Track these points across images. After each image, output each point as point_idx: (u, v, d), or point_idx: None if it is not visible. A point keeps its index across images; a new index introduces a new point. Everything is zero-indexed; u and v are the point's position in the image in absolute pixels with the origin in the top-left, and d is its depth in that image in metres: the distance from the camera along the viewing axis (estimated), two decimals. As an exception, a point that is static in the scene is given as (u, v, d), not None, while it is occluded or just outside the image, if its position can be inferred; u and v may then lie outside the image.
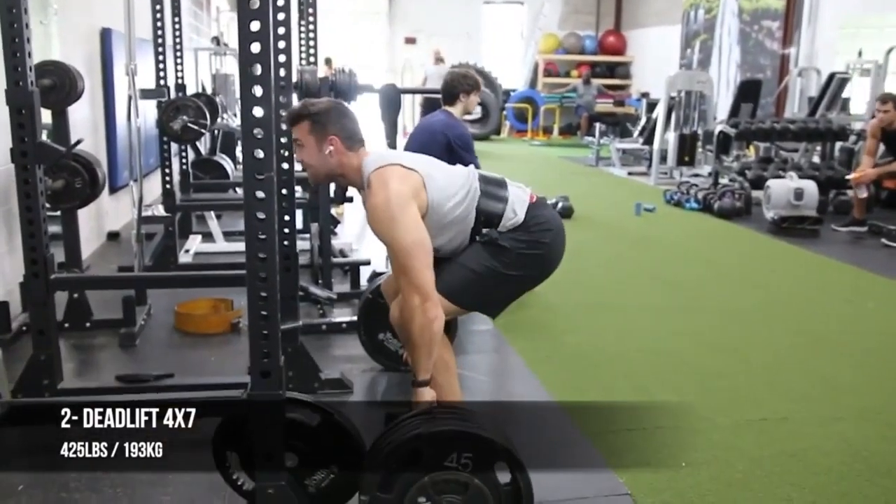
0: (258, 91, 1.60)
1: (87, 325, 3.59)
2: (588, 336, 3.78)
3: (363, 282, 4.18)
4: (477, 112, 14.27)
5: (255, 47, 1.59)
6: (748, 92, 9.79)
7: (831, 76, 8.60)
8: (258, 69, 1.59)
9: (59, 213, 3.46)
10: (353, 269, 4.24)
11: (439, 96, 4.04)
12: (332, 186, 3.93)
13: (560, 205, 6.77)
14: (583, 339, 3.73)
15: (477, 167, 4.03)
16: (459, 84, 4.07)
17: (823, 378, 3.26)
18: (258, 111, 1.61)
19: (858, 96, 8.75)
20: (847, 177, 6.39)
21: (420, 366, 2.23)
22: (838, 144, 7.78)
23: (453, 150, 3.94)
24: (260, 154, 1.62)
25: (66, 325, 3.53)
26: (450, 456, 1.79)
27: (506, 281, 2.39)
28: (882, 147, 6.23)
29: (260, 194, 1.64)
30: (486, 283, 2.37)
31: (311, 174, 2.38)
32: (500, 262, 2.36)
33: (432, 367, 2.25)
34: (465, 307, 2.44)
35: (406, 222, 2.19)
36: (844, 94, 8.65)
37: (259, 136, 1.62)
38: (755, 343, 3.70)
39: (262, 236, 1.68)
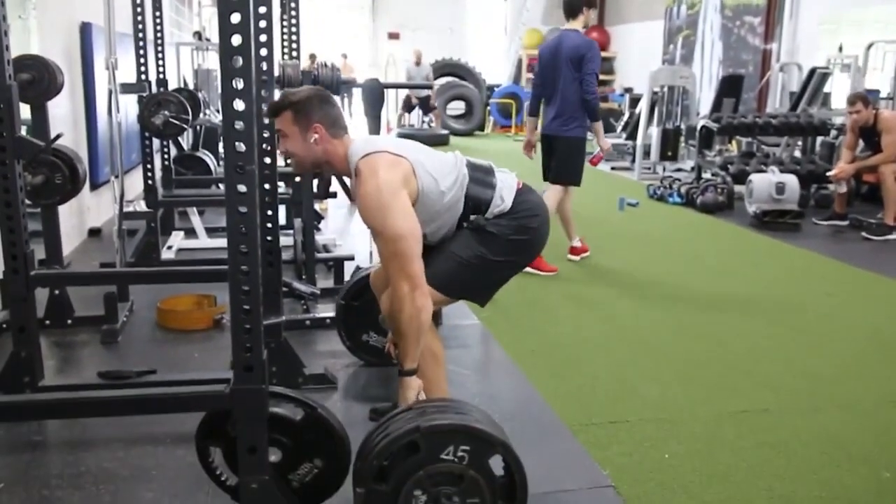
0: (239, 84, 1.59)
1: (69, 322, 3.56)
2: (571, 328, 3.80)
3: (347, 277, 4.17)
4: (460, 107, 14.31)
5: (236, 39, 1.58)
6: (730, 87, 9.85)
7: (812, 71, 8.66)
8: (239, 61, 1.58)
9: (39, 209, 3.43)
10: (336, 265, 4.23)
11: (422, 94, 4.17)
12: (315, 182, 3.93)
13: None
14: (566, 332, 3.75)
15: (596, 77, 4.64)
16: None
17: (803, 369, 3.29)
18: (239, 104, 1.60)
19: (840, 91, 8.83)
20: (827, 174, 6.44)
21: (407, 355, 2.21)
22: (819, 139, 7.85)
23: (583, 62, 4.57)
24: (241, 147, 1.60)
25: (48, 322, 3.50)
26: (447, 449, 1.79)
27: (494, 268, 2.39)
28: (862, 142, 6.30)
29: (242, 188, 1.63)
30: (474, 272, 2.37)
31: (297, 163, 2.37)
32: (488, 250, 2.35)
33: (419, 358, 2.24)
34: (455, 296, 2.43)
35: (397, 210, 2.17)
36: (825, 89, 8.72)
37: (240, 129, 1.60)
38: (736, 334, 3.73)
39: (244, 230, 1.67)
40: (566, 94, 4.70)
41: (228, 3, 1.55)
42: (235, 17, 1.56)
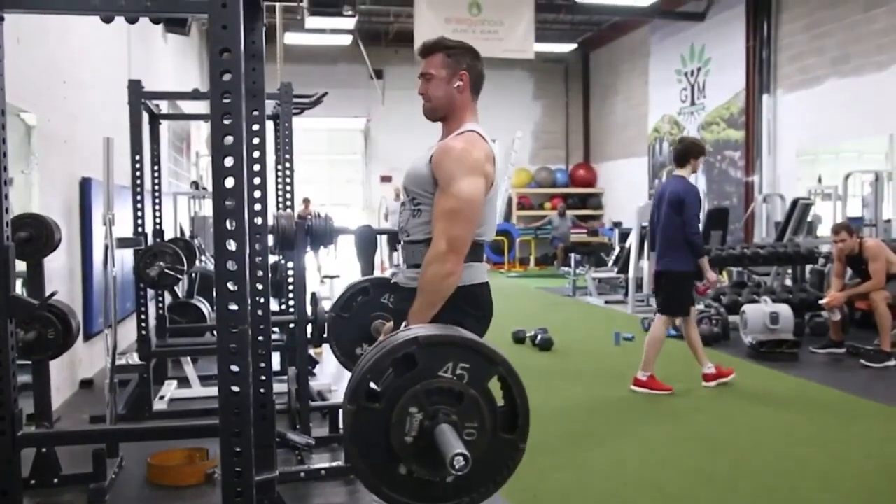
0: (232, 245, 1.62)
1: (55, 480, 3.45)
2: (575, 472, 3.69)
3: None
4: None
5: (230, 202, 1.62)
6: (717, 219, 10.06)
7: (795, 202, 8.89)
8: (232, 224, 1.62)
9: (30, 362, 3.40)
10: (332, 413, 4.15)
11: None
12: (309, 328, 3.92)
13: (539, 337, 6.78)
14: (569, 476, 3.64)
15: (698, 223, 4.97)
16: (692, 148, 5.03)
17: (816, 509, 3.19)
18: (231, 264, 1.62)
19: (824, 219, 9.03)
20: (819, 301, 6.49)
21: (416, 315, 2.13)
22: (808, 267, 7.94)
23: (684, 206, 4.89)
24: (234, 307, 1.61)
25: (33, 481, 3.39)
26: (445, 365, 1.65)
27: None
28: (850, 270, 6.37)
29: (234, 346, 1.63)
30: None
31: (431, 108, 2.35)
32: None
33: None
34: None
35: (475, 179, 2.17)
36: (809, 218, 8.91)
37: (233, 290, 1.62)
38: (743, 472, 3.63)
39: (236, 389, 1.65)
40: (667, 233, 5.07)
41: (222, 169, 1.60)
42: (230, 182, 1.61)
